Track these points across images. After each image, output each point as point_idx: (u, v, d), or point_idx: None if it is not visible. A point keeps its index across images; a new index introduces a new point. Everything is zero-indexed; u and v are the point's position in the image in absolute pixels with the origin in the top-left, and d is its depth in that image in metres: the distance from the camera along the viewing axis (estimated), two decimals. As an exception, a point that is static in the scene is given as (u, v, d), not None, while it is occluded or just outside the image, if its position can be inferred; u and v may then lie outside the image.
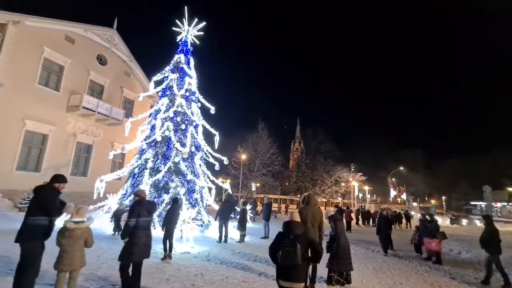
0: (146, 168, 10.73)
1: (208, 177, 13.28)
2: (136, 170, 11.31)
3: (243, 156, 29.49)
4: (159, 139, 11.25)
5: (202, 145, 12.85)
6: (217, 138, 13.20)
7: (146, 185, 9.98)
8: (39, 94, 15.11)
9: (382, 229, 9.59)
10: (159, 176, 10.44)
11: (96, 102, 17.60)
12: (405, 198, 63.33)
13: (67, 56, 16.63)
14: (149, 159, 11.09)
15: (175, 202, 6.99)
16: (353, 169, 43.07)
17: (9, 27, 13.94)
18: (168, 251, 6.47)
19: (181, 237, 7.58)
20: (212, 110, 13.32)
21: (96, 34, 18.44)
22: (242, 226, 9.63)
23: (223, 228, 9.16)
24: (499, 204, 51.95)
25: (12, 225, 7.45)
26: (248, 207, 16.53)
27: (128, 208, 9.10)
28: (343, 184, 41.84)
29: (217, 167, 13.64)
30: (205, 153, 13.44)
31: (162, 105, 12.03)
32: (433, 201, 63.49)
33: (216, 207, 13.80)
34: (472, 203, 58.38)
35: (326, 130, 58.19)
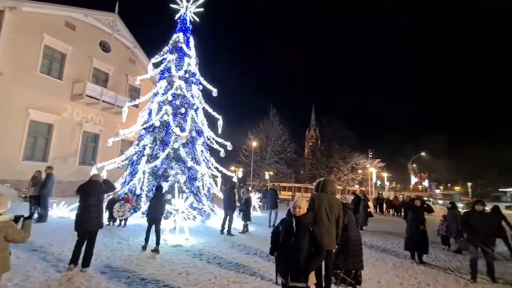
0: (144, 155, 10.09)
1: (213, 165, 12.52)
2: (135, 158, 10.72)
3: (254, 144, 28.59)
4: (157, 124, 10.54)
5: (204, 130, 12.05)
6: (220, 123, 12.35)
7: (141, 173, 9.34)
8: (41, 83, 14.79)
9: (411, 226, 6.54)
10: (157, 162, 9.78)
11: (100, 90, 17.18)
12: (426, 185, 60.62)
13: (68, 43, 16.15)
14: (146, 145, 10.43)
15: (159, 191, 6.26)
16: (371, 155, 41.21)
17: (6, 14, 13.52)
18: (156, 245, 5.80)
19: (174, 228, 6.89)
20: (214, 92, 12.40)
21: (97, 20, 17.81)
22: (245, 215, 8.83)
23: (227, 219, 8.39)
24: None
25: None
26: (257, 195, 15.81)
27: (121, 198, 8.55)
28: (360, 171, 40.22)
29: (222, 154, 12.85)
30: (208, 139, 12.65)
31: (160, 88, 11.24)
32: (457, 188, 60.67)
33: (221, 196, 13.15)
34: (500, 189, 55.15)
35: (342, 117, 56.06)
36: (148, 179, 9.87)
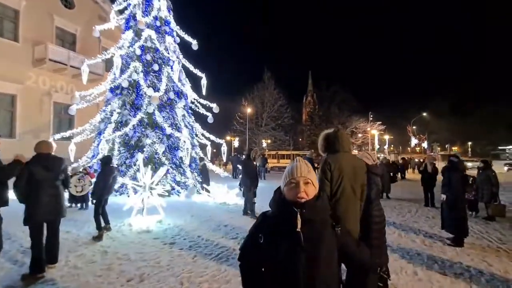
0: (111, 122, 8.37)
1: (199, 132, 10.90)
2: (102, 126, 9.00)
3: (249, 110, 26.67)
4: (124, 84, 8.67)
5: (186, 91, 10.19)
6: (204, 82, 10.44)
7: (104, 142, 7.71)
8: (-7, 46, 12.51)
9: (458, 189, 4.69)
10: (127, 130, 8.09)
11: (66, 53, 14.86)
12: (426, 147, 60.09)
13: (20, -3, 13.51)
14: (114, 110, 8.66)
15: (106, 164, 4.69)
16: (371, 118, 39.62)
17: None
18: (97, 229, 4.54)
19: (143, 208, 5.44)
20: (194, 44, 10.32)
21: (52, -33, 14.88)
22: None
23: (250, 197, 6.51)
24: None
25: None
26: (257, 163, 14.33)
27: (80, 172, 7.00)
28: (360, 135, 38.96)
29: (210, 119, 11.15)
30: (192, 102, 10.86)
31: (125, 40, 9.15)
32: (454, 148, 60.70)
33: (214, 167, 11.71)
34: (500, 147, 55.07)
35: (341, 81, 53.56)
36: (119, 150, 8.27)
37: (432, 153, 47.71)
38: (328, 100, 42.46)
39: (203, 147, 11.80)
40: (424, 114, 51.67)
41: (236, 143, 33.92)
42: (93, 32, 9.77)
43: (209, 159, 11.48)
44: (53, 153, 3.64)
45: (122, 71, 9.14)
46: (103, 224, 4.76)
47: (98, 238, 4.49)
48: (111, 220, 5.21)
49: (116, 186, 7.90)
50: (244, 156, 7.71)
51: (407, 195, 10.34)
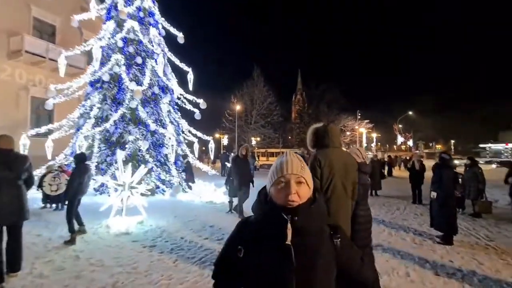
0: (90, 117, 7.91)
1: (186, 129, 10.54)
2: (81, 122, 8.51)
3: (238, 107, 26.33)
4: (105, 77, 8.20)
5: (172, 86, 9.79)
6: (190, 77, 10.07)
7: (82, 139, 7.26)
8: (-36, 37, 11.66)
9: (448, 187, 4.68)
10: (107, 125, 7.66)
11: (44, 45, 14.09)
12: (411, 145, 61.60)
13: (-7, -16, 12.65)
14: (94, 105, 8.19)
15: (81, 161, 4.34)
16: (359, 116, 40.14)
17: None
18: (70, 232, 4.19)
19: (122, 209, 5.10)
20: (180, 38, 9.93)
21: (28, -47, 14.04)
22: (231, 189, 6.49)
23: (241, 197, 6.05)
24: (510, 145, 51.02)
25: None
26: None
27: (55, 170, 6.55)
28: (348, 133, 39.38)
29: (197, 115, 10.80)
30: (179, 98, 10.48)
31: (106, 31, 8.67)
32: (438, 146, 62.87)
33: (201, 165, 11.36)
34: (481, 145, 57.33)
35: (330, 80, 53.94)
36: (99, 147, 7.83)
37: (418, 151, 48.89)
38: (317, 98, 42.66)
39: (190, 144, 11.45)
40: (410, 112, 52.90)
41: (225, 141, 33.52)
42: (72, 22, 9.20)
43: (197, 156, 11.15)
44: (15, 150, 3.28)
45: (103, 64, 8.65)
46: (77, 227, 4.41)
47: (70, 241, 4.14)
48: (87, 221, 4.85)
49: (96, 185, 7.51)
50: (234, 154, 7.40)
51: (395, 192, 10.37)
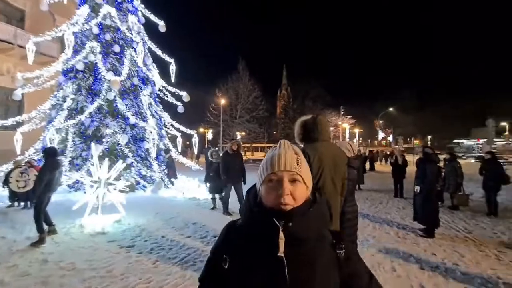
0: (63, 109, 7.38)
1: (168, 122, 10.15)
2: (53, 114, 7.93)
3: (223, 101, 25.90)
4: (79, 66, 7.66)
5: (153, 77, 9.35)
6: (172, 68, 9.66)
7: (53, 131, 6.77)
8: None
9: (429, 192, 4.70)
10: (82, 118, 7.18)
11: (12, 31, 13.09)
12: (391, 140, 63.70)
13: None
14: (67, 96, 7.65)
15: (50, 156, 3.99)
16: (343, 112, 40.90)
17: None
18: (39, 232, 3.89)
19: (98, 207, 4.78)
20: (161, 26, 9.45)
21: None
22: (213, 186, 6.26)
23: (227, 194, 5.93)
24: (481, 141, 53.91)
25: None
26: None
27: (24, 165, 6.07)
28: (331, 128, 40.08)
29: (180, 109, 10.42)
30: (160, 90, 10.05)
31: (80, 16, 8.08)
32: (416, 142, 65.52)
33: (185, 160, 11.02)
34: (455, 141, 60.30)
35: (314, 75, 54.43)
36: (73, 141, 7.34)
37: (397, 146, 50.56)
38: (302, 94, 42.96)
39: (173, 138, 11.07)
40: (391, 109, 54.54)
41: (210, 135, 33.02)
42: (41, 6, 8.49)
43: (179, 151, 10.80)
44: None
45: (77, 52, 8.07)
46: (45, 227, 4.06)
47: (39, 242, 3.80)
48: (59, 221, 4.51)
49: (70, 182, 7.06)
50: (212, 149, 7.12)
51: (377, 187, 10.58)
